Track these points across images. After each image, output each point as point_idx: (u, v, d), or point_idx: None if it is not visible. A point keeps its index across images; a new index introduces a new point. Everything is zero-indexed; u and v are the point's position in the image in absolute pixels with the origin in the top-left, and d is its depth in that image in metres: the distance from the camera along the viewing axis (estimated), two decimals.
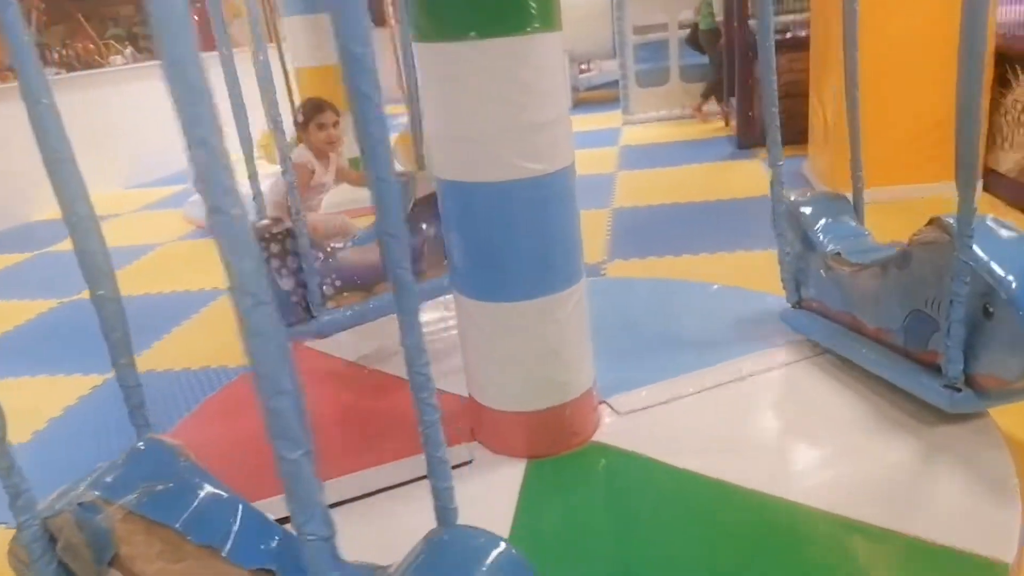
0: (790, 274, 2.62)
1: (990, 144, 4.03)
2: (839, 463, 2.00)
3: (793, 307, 2.64)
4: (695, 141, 6.60)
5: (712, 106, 7.14)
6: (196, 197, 3.29)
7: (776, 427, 2.29)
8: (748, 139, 5.86)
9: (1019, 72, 3.75)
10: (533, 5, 1.81)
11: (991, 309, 1.77)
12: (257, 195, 2.67)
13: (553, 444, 2.16)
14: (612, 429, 2.27)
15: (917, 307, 1.99)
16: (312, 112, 3.17)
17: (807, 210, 2.55)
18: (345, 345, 2.91)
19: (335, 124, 3.16)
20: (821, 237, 2.47)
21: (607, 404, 2.38)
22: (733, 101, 6.17)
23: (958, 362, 1.86)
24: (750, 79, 5.76)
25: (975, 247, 1.75)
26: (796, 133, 5.40)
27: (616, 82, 8.20)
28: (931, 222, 1.94)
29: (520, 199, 1.91)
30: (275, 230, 2.51)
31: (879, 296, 2.15)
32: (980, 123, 1.77)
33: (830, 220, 2.51)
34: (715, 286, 3.26)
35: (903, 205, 3.89)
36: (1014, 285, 1.73)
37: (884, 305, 2.13)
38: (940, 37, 3.83)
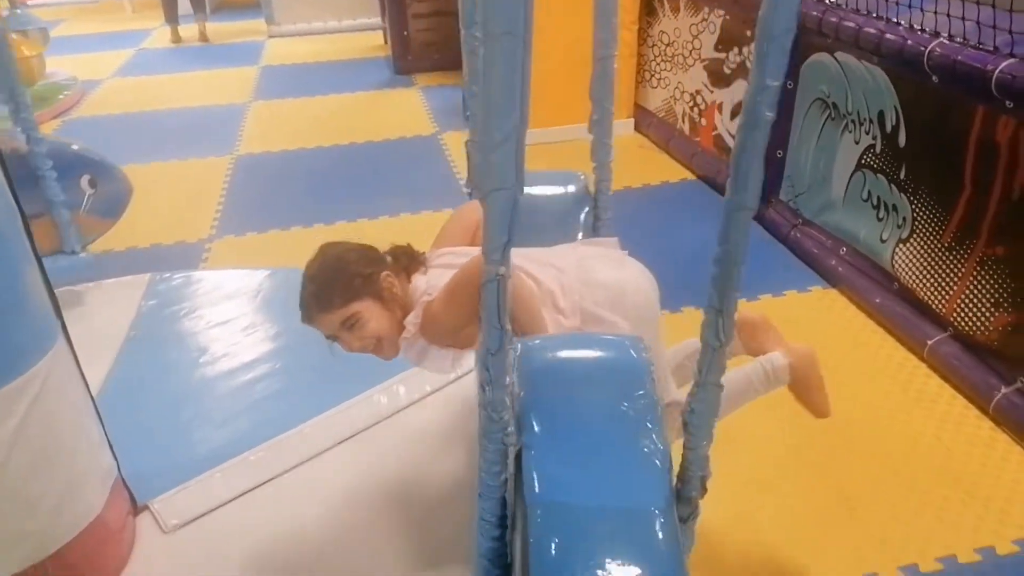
0: None
1: (639, 80, 3.79)
2: None
3: None
4: (350, 62, 5.70)
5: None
6: None
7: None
8: (404, 64, 5.15)
9: (665, 1, 3.48)
10: None
11: None
12: None
13: None
14: (150, 562, 1.49)
15: None
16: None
17: None
18: None
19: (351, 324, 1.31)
20: None
21: (152, 512, 1.59)
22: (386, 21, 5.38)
23: None
24: None
25: None
26: (454, 59, 4.80)
27: None
28: None
29: None
30: None
31: None
32: None
33: None
34: None
35: (565, 146, 3.51)
36: None
37: None
38: None
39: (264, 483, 1.66)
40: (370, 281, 1.28)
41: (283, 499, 1.64)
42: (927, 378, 2.01)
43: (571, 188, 1.64)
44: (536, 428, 0.92)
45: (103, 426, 1.48)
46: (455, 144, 3.82)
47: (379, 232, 2.93)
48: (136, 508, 1.58)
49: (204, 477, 1.65)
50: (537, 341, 1.05)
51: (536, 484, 0.87)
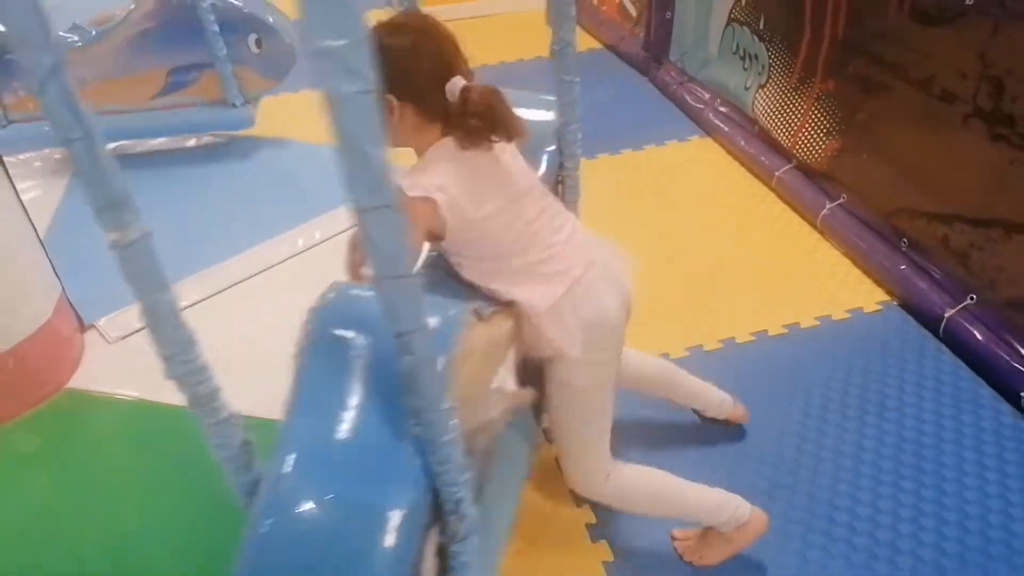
0: None
1: None
2: None
3: None
4: None
5: None
6: None
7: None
8: None
9: None
10: None
11: None
12: None
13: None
14: (98, 365, 1.77)
15: None
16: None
17: None
18: None
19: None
20: None
21: (97, 329, 1.86)
22: None
23: None
24: None
25: None
26: None
27: None
28: None
29: None
30: None
31: None
32: None
33: None
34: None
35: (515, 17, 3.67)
36: None
37: None
38: None
39: (207, 298, 1.93)
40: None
41: (228, 311, 1.90)
42: (773, 203, 2.33)
43: (546, 115, 1.31)
44: (295, 406, 0.83)
45: (45, 251, 1.72)
46: None
47: None
48: (83, 326, 1.85)
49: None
50: (330, 307, 0.87)
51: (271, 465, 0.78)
